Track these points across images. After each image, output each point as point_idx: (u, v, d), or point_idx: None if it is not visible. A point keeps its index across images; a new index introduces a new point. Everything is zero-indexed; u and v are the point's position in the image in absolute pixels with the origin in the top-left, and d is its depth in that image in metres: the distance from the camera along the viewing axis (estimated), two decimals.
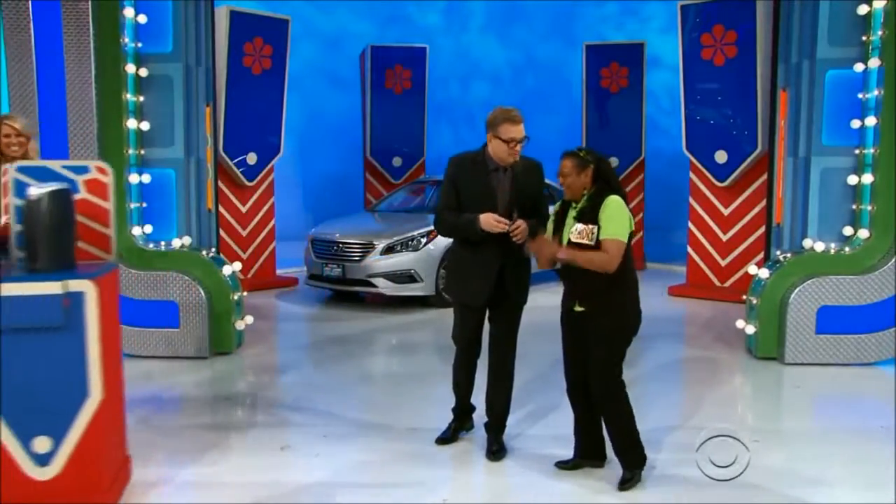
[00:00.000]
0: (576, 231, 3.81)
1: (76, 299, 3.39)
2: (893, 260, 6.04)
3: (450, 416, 4.57)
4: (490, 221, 4.02)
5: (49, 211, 3.44)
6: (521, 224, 4.01)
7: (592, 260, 3.72)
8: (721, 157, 8.95)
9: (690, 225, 9.43)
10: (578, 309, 3.88)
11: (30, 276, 3.42)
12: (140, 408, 5.26)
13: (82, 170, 3.81)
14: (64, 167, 3.79)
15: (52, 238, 3.47)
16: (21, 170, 3.73)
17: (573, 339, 3.96)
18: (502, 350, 4.27)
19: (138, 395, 5.56)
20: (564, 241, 3.88)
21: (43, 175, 3.72)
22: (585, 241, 3.76)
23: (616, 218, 3.73)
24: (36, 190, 3.47)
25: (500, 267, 4.15)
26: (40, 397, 3.41)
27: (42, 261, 3.46)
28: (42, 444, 3.42)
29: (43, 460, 3.43)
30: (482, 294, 4.18)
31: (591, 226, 3.76)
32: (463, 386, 4.49)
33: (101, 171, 3.84)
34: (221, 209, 8.98)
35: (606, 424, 3.94)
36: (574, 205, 3.91)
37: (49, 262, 3.47)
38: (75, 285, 3.38)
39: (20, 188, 3.66)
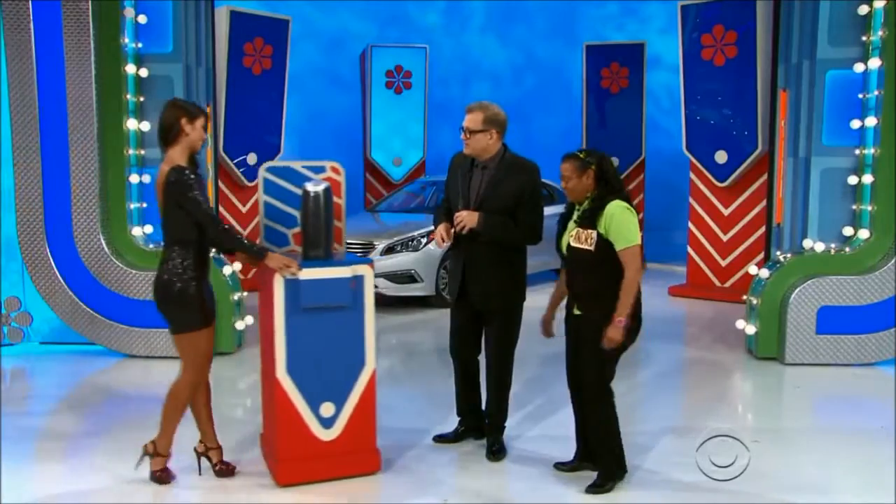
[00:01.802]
0: (574, 235, 3.79)
1: (359, 282, 3.84)
2: (893, 260, 6.04)
3: (452, 417, 4.57)
4: (438, 234, 4.18)
5: (325, 204, 3.88)
6: (460, 215, 4.03)
7: (631, 287, 3.65)
8: (721, 157, 8.94)
9: (690, 225, 9.42)
10: (577, 312, 3.86)
11: (316, 262, 3.84)
12: (140, 408, 5.26)
13: (319, 170, 4.20)
14: (304, 167, 4.19)
15: (327, 228, 3.91)
16: (270, 170, 4.16)
17: (573, 342, 3.95)
18: (494, 355, 4.24)
19: (138, 395, 5.57)
20: (565, 245, 3.86)
21: (287, 175, 4.18)
22: (585, 247, 3.73)
23: (624, 225, 3.67)
24: (312, 186, 3.89)
25: (464, 265, 4.16)
26: (327, 368, 3.86)
27: (320, 248, 3.89)
28: (327, 408, 3.88)
29: (327, 423, 3.89)
30: (453, 289, 4.23)
31: (590, 230, 3.72)
32: (459, 392, 4.49)
33: (335, 170, 4.23)
34: (221, 209, 8.97)
35: (589, 427, 3.92)
36: (578, 207, 3.87)
37: (325, 250, 3.90)
38: (359, 269, 3.85)
39: (269, 187, 4.16)
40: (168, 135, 3.78)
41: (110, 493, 3.91)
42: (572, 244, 3.80)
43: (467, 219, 4.03)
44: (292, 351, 3.79)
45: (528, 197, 4.11)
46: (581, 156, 3.80)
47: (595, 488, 3.84)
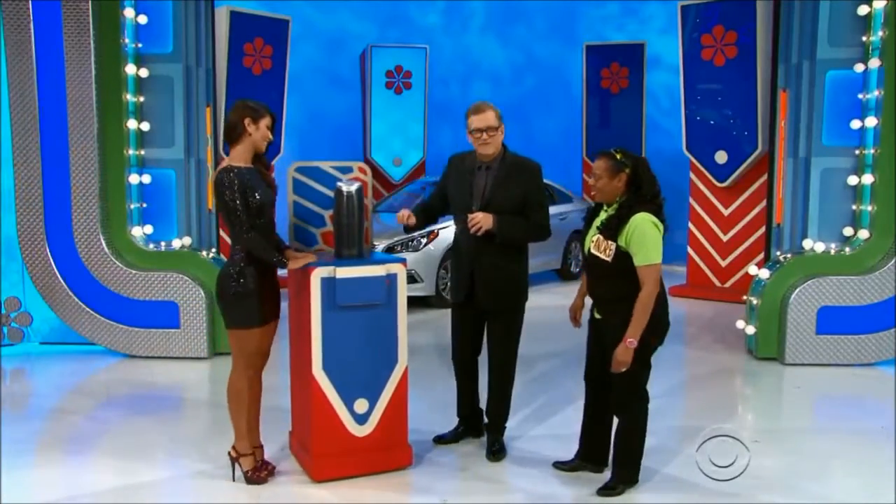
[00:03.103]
0: (594, 241, 3.71)
1: (393, 280, 3.91)
2: (893, 260, 6.04)
3: (452, 417, 4.57)
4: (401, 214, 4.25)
5: (358, 203, 3.97)
6: (476, 217, 3.99)
7: (645, 307, 3.53)
8: (721, 157, 8.94)
9: (690, 225, 9.42)
10: (598, 316, 3.83)
11: (351, 261, 3.91)
12: (140, 408, 5.26)
13: (347, 170, 4.23)
14: (333, 168, 4.22)
15: (360, 227, 3.99)
16: (299, 170, 4.18)
17: (594, 342, 3.93)
18: (498, 354, 4.24)
19: (138, 395, 5.57)
20: (586, 249, 3.80)
21: (315, 175, 4.19)
22: (602, 256, 3.65)
23: (646, 241, 3.53)
24: (346, 186, 3.97)
25: (472, 266, 4.15)
26: (362, 365, 3.92)
27: (354, 247, 3.96)
28: (361, 405, 3.95)
29: (361, 419, 3.96)
30: (460, 291, 4.21)
31: (610, 242, 3.61)
32: (461, 394, 4.50)
33: (362, 170, 4.26)
34: None
35: (617, 432, 3.87)
36: (605, 208, 3.76)
37: (358, 249, 3.97)
38: (393, 268, 3.92)
39: (298, 187, 4.17)
40: (232, 134, 3.84)
41: (112, 493, 3.91)
42: (592, 251, 3.72)
43: (483, 220, 4.00)
44: (328, 348, 3.84)
45: (535, 196, 4.13)
46: (617, 156, 3.65)
47: (607, 490, 3.81)
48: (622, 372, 3.65)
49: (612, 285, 3.66)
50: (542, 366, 5.94)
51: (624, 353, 3.56)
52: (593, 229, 3.78)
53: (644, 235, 3.53)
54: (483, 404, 4.49)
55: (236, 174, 3.74)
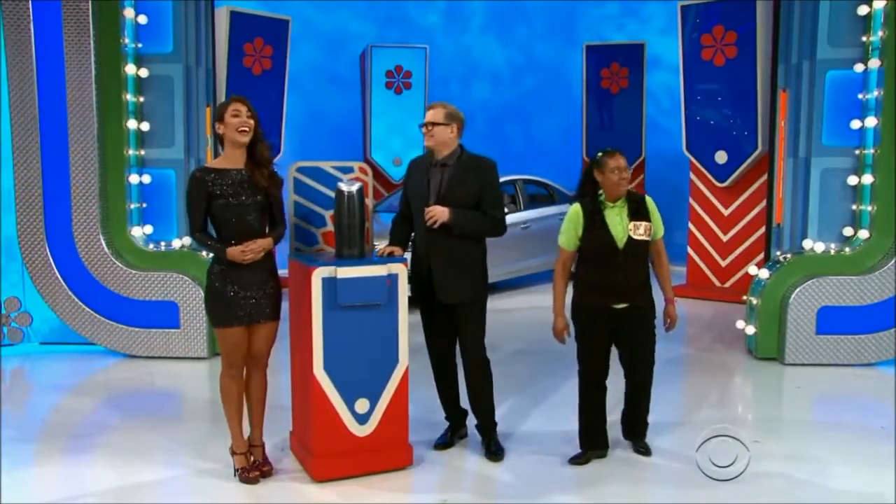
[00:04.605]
0: (633, 228, 4.00)
1: (394, 280, 3.92)
2: (893, 260, 6.04)
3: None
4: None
5: (359, 203, 3.96)
6: (433, 210, 4.04)
7: (669, 273, 4.21)
8: (721, 157, 8.95)
9: (690, 225, 9.43)
10: (620, 306, 4.00)
11: (352, 261, 3.91)
12: (140, 408, 5.26)
13: (348, 170, 4.26)
14: (333, 168, 4.25)
15: (361, 227, 3.99)
16: (300, 170, 4.20)
17: (608, 335, 4.08)
18: (471, 352, 4.25)
19: (138, 395, 5.57)
20: (623, 240, 3.98)
21: (316, 175, 4.22)
22: (645, 238, 4.03)
23: (659, 217, 4.13)
24: (346, 186, 3.97)
25: (428, 260, 4.16)
26: (362, 365, 3.93)
27: (355, 247, 3.96)
28: (362, 405, 3.96)
29: (362, 419, 3.97)
30: (416, 287, 4.23)
31: (646, 223, 4.03)
32: (445, 397, 4.51)
33: (363, 170, 4.29)
34: None
35: (640, 398, 4.25)
36: (609, 204, 4.03)
37: (359, 249, 3.97)
38: (394, 268, 3.93)
39: (299, 187, 4.18)
40: (218, 140, 3.91)
41: (112, 493, 3.91)
42: (634, 237, 3.98)
43: (439, 213, 4.05)
44: (329, 348, 3.86)
45: (491, 192, 4.19)
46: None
47: (644, 445, 4.29)
48: (652, 342, 4.14)
49: (644, 266, 4.06)
50: (537, 365, 5.94)
51: (675, 309, 4.18)
52: (618, 220, 4.00)
53: (657, 211, 4.11)
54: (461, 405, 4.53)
55: (198, 176, 3.79)
